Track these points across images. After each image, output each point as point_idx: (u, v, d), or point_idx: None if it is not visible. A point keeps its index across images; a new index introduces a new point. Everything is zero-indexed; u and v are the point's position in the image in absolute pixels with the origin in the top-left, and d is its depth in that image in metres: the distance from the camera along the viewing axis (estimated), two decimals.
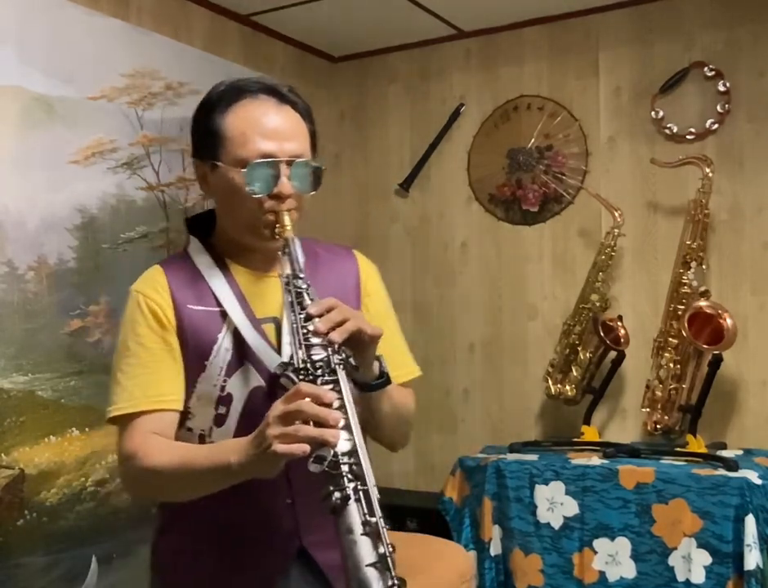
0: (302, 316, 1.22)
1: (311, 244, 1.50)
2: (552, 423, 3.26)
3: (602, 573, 2.58)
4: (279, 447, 1.08)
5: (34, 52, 2.38)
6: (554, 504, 2.68)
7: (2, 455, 2.25)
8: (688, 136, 3.03)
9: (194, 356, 1.37)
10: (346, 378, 1.16)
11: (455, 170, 3.48)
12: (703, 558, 2.42)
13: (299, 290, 1.27)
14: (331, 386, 1.13)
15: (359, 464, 1.03)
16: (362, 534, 0.95)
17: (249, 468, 1.17)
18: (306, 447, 1.06)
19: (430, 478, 3.33)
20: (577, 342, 3.05)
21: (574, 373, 3.04)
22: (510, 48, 3.37)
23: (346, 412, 1.10)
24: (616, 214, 3.02)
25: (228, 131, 1.38)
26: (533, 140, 3.32)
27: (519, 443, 2.95)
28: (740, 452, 2.81)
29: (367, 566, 0.92)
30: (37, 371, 2.35)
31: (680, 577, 2.46)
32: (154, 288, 1.40)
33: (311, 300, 1.26)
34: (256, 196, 1.35)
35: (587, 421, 3.02)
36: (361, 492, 1.00)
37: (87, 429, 2.46)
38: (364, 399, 1.33)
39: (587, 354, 3.03)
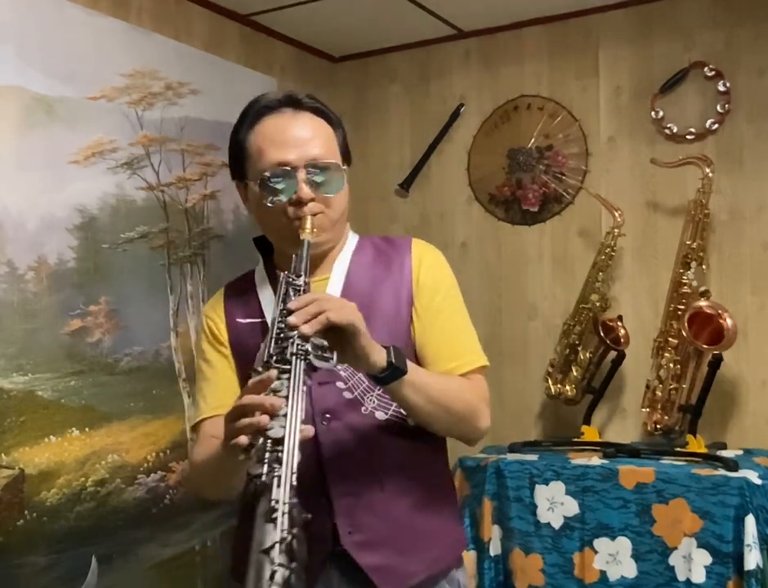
0: (285, 312, 1.24)
1: (371, 239, 1.55)
2: (552, 423, 3.26)
3: (603, 573, 2.58)
4: (229, 442, 1.13)
5: (34, 52, 2.38)
6: (554, 504, 2.68)
7: (2, 455, 2.24)
8: (688, 136, 3.03)
9: (244, 365, 1.45)
10: (301, 368, 1.16)
11: (455, 170, 3.48)
12: (704, 558, 2.42)
13: (289, 288, 1.29)
14: (286, 377, 1.14)
15: (283, 452, 1.04)
16: (266, 521, 0.95)
17: (230, 459, 1.20)
18: (243, 440, 1.09)
19: None
20: (577, 342, 3.05)
21: (574, 373, 3.04)
22: (510, 48, 3.37)
23: (289, 401, 1.10)
24: (616, 214, 3.02)
25: (249, 149, 1.45)
26: (533, 140, 3.32)
27: (519, 443, 2.95)
28: (740, 452, 2.81)
29: (261, 551, 0.91)
30: (37, 371, 2.35)
31: (681, 577, 2.46)
32: (212, 307, 1.56)
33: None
34: (278, 205, 1.39)
35: (587, 421, 3.02)
36: (276, 479, 1.00)
37: (87, 429, 2.45)
38: (388, 392, 1.35)
39: (587, 354, 3.03)
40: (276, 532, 0.93)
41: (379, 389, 1.42)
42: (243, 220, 3.09)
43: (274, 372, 1.15)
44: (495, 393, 3.33)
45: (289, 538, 0.93)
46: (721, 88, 2.98)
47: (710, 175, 2.87)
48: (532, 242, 3.33)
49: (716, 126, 2.99)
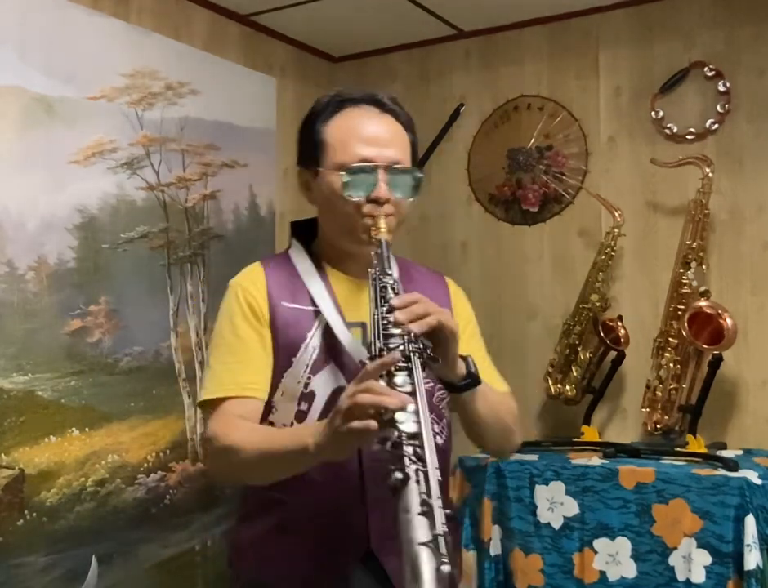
0: (384, 308, 1.24)
1: (406, 263, 1.57)
2: (552, 423, 3.26)
3: (603, 573, 2.58)
4: (348, 424, 1.09)
5: (34, 52, 2.38)
6: (554, 504, 2.68)
7: (2, 455, 2.25)
8: (688, 136, 3.03)
9: (283, 351, 1.42)
10: (420, 366, 1.16)
11: (455, 170, 3.48)
12: (704, 558, 2.41)
13: (384, 284, 1.29)
14: (405, 373, 1.14)
15: (422, 447, 1.04)
16: (419, 514, 0.95)
17: (324, 449, 1.18)
18: (373, 423, 1.07)
19: None
20: (577, 342, 3.04)
21: (574, 373, 3.04)
22: (510, 48, 3.37)
23: (416, 398, 1.10)
24: (616, 214, 3.02)
25: (330, 138, 1.43)
26: (533, 140, 3.32)
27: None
28: (740, 452, 2.81)
29: (420, 544, 0.92)
30: (37, 371, 2.35)
31: (681, 577, 2.45)
32: (252, 282, 1.47)
33: (396, 294, 1.28)
34: (355, 200, 1.39)
35: (587, 421, 3.02)
36: (422, 474, 1.00)
37: (87, 429, 2.46)
38: (456, 402, 1.37)
39: (587, 354, 3.03)
40: (436, 526, 0.93)
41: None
42: (243, 220, 3.10)
43: (397, 354, 1.14)
44: None
45: (446, 531, 0.93)
46: (721, 88, 2.97)
47: (710, 175, 2.87)
48: (532, 242, 3.33)
49: (716, 126, 2.99)
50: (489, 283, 3.40)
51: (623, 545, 2.55)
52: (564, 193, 3.27)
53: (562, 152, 3.27)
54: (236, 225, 3.07)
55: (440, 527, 0.93)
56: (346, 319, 1.43)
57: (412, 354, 1.16)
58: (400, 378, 1.12)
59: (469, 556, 2.75)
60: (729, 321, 2.74)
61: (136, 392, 2.62)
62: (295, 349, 1.41)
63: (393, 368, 1.15)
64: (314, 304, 1.43)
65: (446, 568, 0.89)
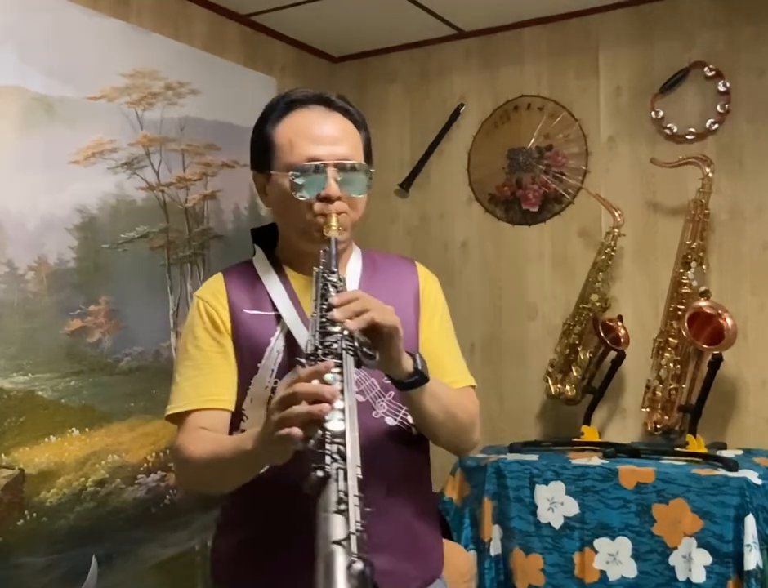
0: (325, 306, 1.23)
1: (371, 254, 1.56)
2: (552, 423, 3.26)
3: (603, 573, 2.58)
4: (277, 432, 1.09)
5: (34, 52, 2.38)
6: (554, 504, 2.68)
7: (2, 455, 2.25)
8: (688, 136, 3.03)
9: (248, 358, 1.42)
10: (352, 363, 1.15)
11: (455, 170, 3.48)
12: (704, 558, 2.42)
13: (327, 283, 1.29)
14: (337, 370, 1.12)
15: (345, 445, 1.03)
16: (335, 512, 0.95)
17: (263, 454, 1.19)
18: (297, 432, 1.06)
19: None
20: (577, 342, 3.05)
21: (574, 373, 3.04)
22: (510, 48, 3.37)
23: (344, 396, 1.09)
24: (616, 214, 3.02)
25: (279, 139, 1.43)
26: (533, 140, 3.32)
27: (519, 443, 2.95)
28: (740, 452, 2.81)
29: (333, 542, 0.91)
30: (37, 371, 2.35)
31: (681, 577, 2.46)
32: (212, 294, 1.47)
33: (338, 292, 1.27)
34: (305, 199, 1.39)
35: (587, 421, 3.02)
36: (342, 472, 0.99)
37: (87, 429, 2.45)
38: (405, 398, 1.36)
39: (587, 354, 3.03)
40: (350, 524, 0.93)
41: (390, 396, 1.43)
42: (243, 220, 3.10)
43: (331, 362, 1.13)
44: (495, 393, 3.37)
45: (362, 529, 0.93)
46: (721, 88, 2.97)
47: (710, 175, 2.87)
48: (532, 242, 3.33)
49: (716, 126, 2.99)
50: (489, 283, 3.40)
51: (624, 544, 2.56)
52: (564, 193, 3.27)
53: (562, 152, 3.28)
54: (236, 225, 3.07)
55: (354, 526, 0.93)
56: (308, 317, 1.40)
57: (345, 352, 1.15)
58: (331, 375, 1.11)
59: (469, 556, 2.75)
60: (729, 321, 2.74)
61: (136, 392, 2.62)
62: (259, 354, 1.41)
63: (333, 363, 1.14)
64: (275, 308, 1.44)
65: (358, 566, 0.89)
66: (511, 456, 2.83)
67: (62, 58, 2.45)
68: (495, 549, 2.76)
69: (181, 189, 2.86)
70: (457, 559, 2.63)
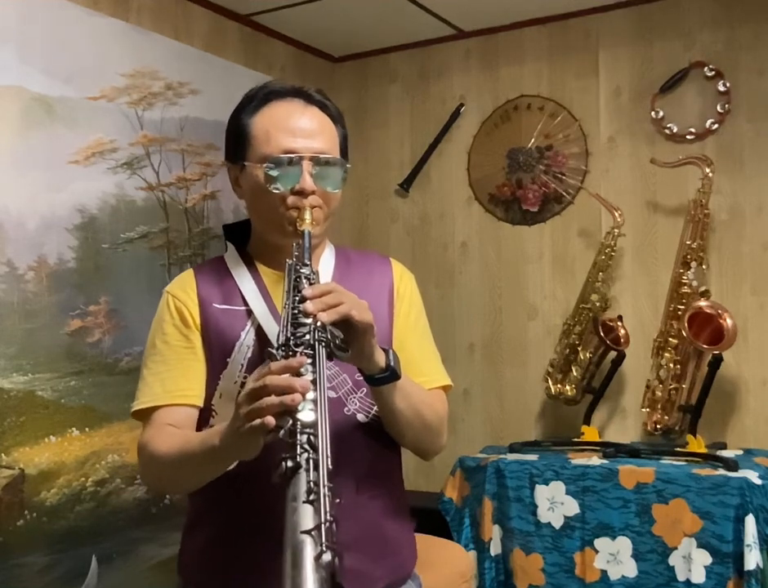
0: (297, 298, 1.22)
1: (345, 250, 1.55)
2: (552, 423, 3.26)
3: (604, 572, 2.58)
4: (248, 424, 1.08)
5: (34, 52, 2.38)
6: (554, 504, 2.68)
7: (2, 455, 2.25)
8: (688, 136, 3.03)
9: (217, 353, 1.40)
10: (324, 355, 1.14)
11: (455, 170, 3.48)
12: (704, 558, 2.42)
13: (299, 275, 1.28)
14: (309, 362, 1.12)
15: (316, 435, 1.02)
16: (304, 502, 0.94)
17: (231, 449, 1.18)
18: (270, 420, 1.05)
19: (430, 478, 3.33)
20: (577, 342, 3.05)
21: (574, 373, 3.04)
22: (510, 48, 3.37)
23: (316, 386, 1.08)
24: (616, 214, 3.02)
25: (254, 130, 1.42)
26: (533, 140, 3.32)
27: (519, 443, 2.95)
28: (740, 452, 2.81)
29: (302, 532, 0.90)
30: (37, 371, 2.35)
31: (681, 577, 2.46)
32: (182, 288, 1.45)
33: (311, 284, 1.26)
34: (279, 192, 1.37)
35: (587, 421, 3.02)
36: (312, 462, 0.99)
37: (87, 429, 2.45)
38: (375, 393, 1.34)
39: (587, 354, 3.03)
40: (320, 514, 0.92)
41: (362, 392, 1.41)
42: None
43: (304, 358, 1.12)
44: (495, 393, 3.37)
45: (332, 520, 0.92)
46: (721, 88, 2.98)
47: (710, 175, 2.87)
48: (532, 242, 3.33)
49: (716, 126, 2.99)
50: (489, 283, 3.40)
51: (624, 544, 2.56)
52: (564, 193, 3.27)
53: (562, 152, 3.28)
54: None
55: (324, 516, 0.92)
56: (279, 312, 1.39)
57: (317, 343, 1.14)
58: (303, 367, 1.11)
59: (469, 556, 2.75)
60: (729, 321, 2.74)
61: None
62: (229, 349, 1.40)
63: (298, 355, 1.13)
64: (246, 303, 1.42)
65: (327, 557, 0.88)
66: (510, 456, 2.83)
67: (62, 58, 2.45)
68: (495, 549, 2.76)
69: (181, 189, 2.86)
70: (457, 559, 2.63)
